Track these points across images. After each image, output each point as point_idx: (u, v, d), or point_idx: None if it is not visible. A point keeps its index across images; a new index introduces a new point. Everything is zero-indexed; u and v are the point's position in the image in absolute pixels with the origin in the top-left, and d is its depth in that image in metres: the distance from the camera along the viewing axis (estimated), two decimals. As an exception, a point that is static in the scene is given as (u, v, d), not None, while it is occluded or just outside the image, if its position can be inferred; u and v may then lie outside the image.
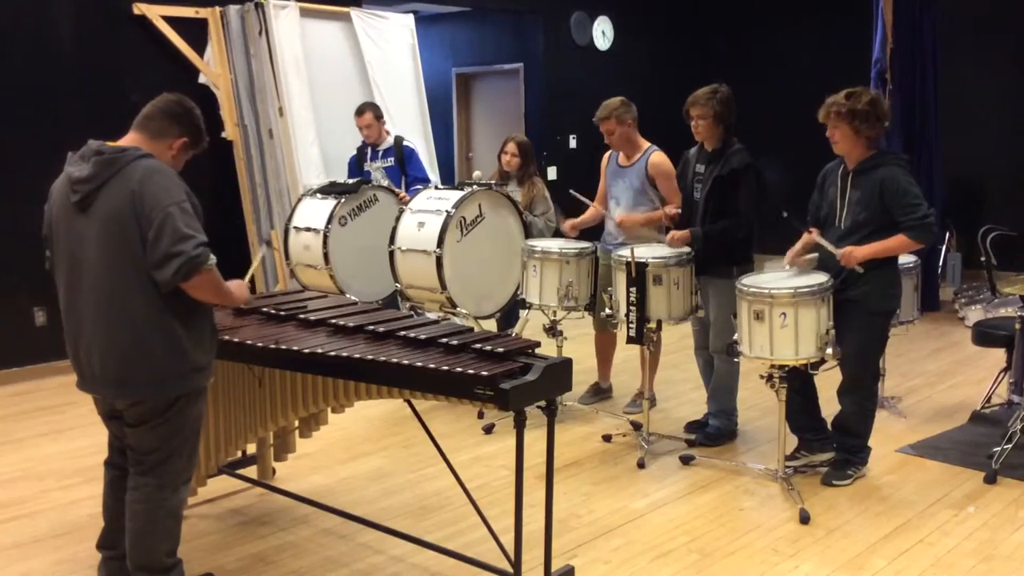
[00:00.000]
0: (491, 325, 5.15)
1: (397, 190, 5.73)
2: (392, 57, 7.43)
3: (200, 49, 6.72)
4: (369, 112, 6.05)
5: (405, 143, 6.15)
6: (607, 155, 5.18)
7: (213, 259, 2.76)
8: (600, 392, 5.43)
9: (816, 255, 4.11)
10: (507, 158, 5.44)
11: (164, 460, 2.91)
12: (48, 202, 2.91)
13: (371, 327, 3.27)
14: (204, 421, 3.53)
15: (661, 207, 4.89)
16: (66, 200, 2.81)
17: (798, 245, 4.20)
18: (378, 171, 6.05)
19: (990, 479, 4.14)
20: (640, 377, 5.21)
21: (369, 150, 6.12)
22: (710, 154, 4.47)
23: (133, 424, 2.89)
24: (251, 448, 4.13)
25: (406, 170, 6.01)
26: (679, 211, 4.66)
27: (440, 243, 4.74)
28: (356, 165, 6.18)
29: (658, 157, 4.92)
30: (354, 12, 7.26)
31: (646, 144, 4.99)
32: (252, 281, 3.40)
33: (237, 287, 3.05)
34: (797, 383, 4.08)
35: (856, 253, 3.89)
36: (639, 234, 4.85)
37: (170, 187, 2.76)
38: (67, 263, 2.84)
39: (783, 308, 3.82)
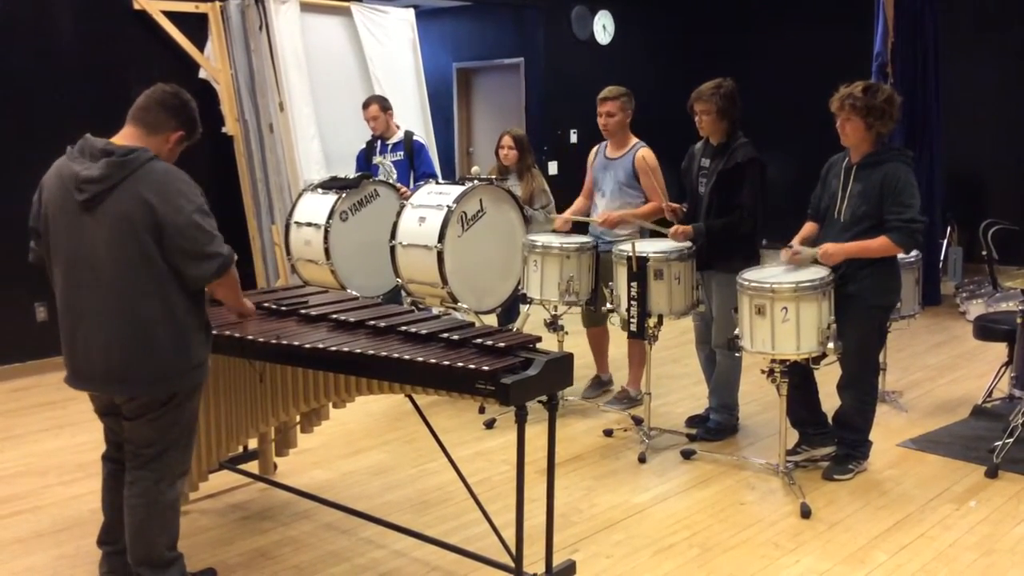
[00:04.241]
0: (492, 320, 5.15)
1: (398, 185, 5.73)
2: (393, 52, 7.42)
3: (200, 44, 6.72)
4: (375, 104, 6.04)
5: (415, 138, 6.14)
6: (594, 150, 5.19)
7: (235, 255, 2.91)
8: (602, 384, 5.44)
9: (814, 251, 4.09)
10: (504, 152, 5.45)
11: (162, 453, 2.92)
12: (39, 194, 2.89)
13: (372, 322, 3.26)
14: (205, 416, 3.57)
15: (645, 202, 4.91)
16: (68, 197, 2.79)
17: (796, 238, 4.19)
18: (387, 165, 6.04)
19: (991, 473, 4.14)
20: (635, 374, 5.21)
21: (379, 143, 6.11)
22: (715, 148, 4.47)
23: (132, 417, 2.90)
24: (252, 443, 4.13)
25: (415, 164, 6.00)
26: (679, 206, 4.65)
27: (441, 238, 4.73)
28: (365, 159, 6.17)
29: (646, 152, 4.93)
30: (354, 7, 7.25)
31: (635, 139, 5.01)
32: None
33: (246, 300, 3.28)
34: (798, 378, 4.09)
35: (832, 252, 3.89)
36: (618, 229, 4.88)
37: (188, 192, 2.81)
38: (67, 260, 2.83)
39: (785, 303, 3.81)
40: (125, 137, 2.86)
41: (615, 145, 5.02)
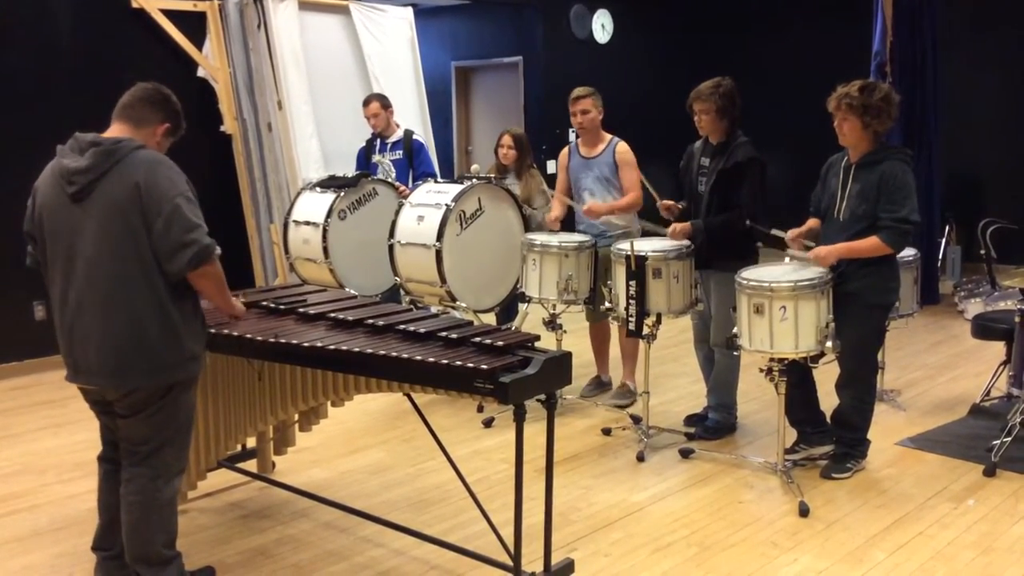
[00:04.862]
0: (491, 319, 5.15)
1: (397, 184, 5.73)
2: (391, 51, 7.42)
3: (199, 43, 6.71)
4: (375, 102, 6.05)
5: (415, 137, 6.15)
6: (564, 151, 5.23)
7: (218, 249, 2.84)
8: (601, 385, 5.43)
9: (807, 255, 4.08)
10: (504, 151, 5.45)
11: (157, 450, 2.92)
12: (32, 198, 2.90)
13: (370, 321, 3.26)
14: (204, 415, 3.56)
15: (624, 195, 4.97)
16: (59, 192, 2.81)
17: (803, 228, 4.18)
18: (385, 164, 6.04)
19: (989, 472, 4.15)
20: (630, 367, 5.22)
21: (378, 142, 6.11)
22: (715, 147, 4.46)
23: (126, 415, 2.90)
24: (251, 442, 4.13)
25: (414, 164, 6.01)
26: (675, 203, 4.64)
27: (439, 237, 4.73)
28: (364, 157, 6.17)
29: (624, 146, 5.00)
30: (353, 5, 7.25)
31: (608, 135, 5.05)
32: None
33: (236, 300, 3.20)
34: (796, 376, 4.09)
35: (824, 254, 3.90)
36: (611, 220, 4.90)
37: (174, 178, 2.81)
38: (65, 257, 2.83)
39: (783, 301, 3.82)
40: (112, 132, 2.88)
41: (589, 143, 5.05)
